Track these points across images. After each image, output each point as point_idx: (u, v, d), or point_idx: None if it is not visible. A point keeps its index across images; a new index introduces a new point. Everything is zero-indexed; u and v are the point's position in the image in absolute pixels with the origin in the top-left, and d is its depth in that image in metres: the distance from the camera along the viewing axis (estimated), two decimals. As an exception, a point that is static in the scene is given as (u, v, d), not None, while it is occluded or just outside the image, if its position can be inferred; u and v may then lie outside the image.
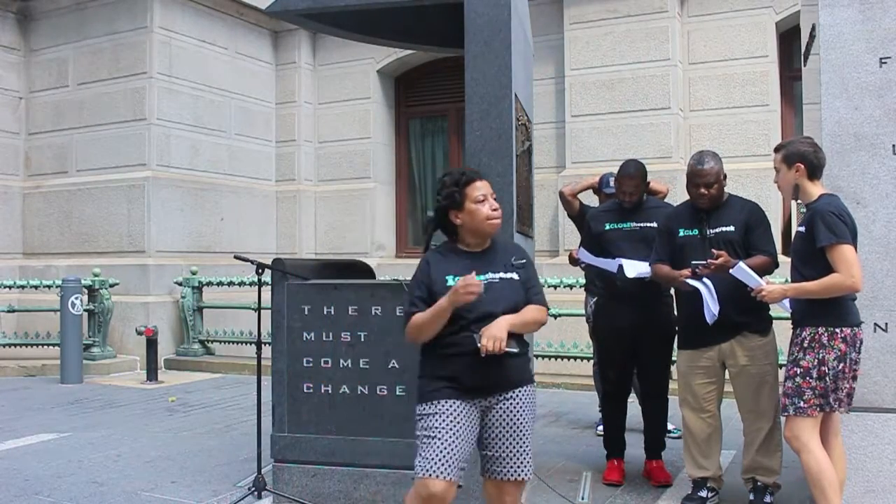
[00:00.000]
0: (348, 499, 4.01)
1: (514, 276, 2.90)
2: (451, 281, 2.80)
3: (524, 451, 2.89)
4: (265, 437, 4.22)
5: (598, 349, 4.99)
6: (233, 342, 9.67)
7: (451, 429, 2.77)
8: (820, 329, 3.32)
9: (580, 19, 9.49)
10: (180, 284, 9.70)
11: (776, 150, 3.56)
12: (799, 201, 3.58)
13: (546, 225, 9.48)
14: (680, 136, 9.12)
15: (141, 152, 9.78)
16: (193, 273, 9.70)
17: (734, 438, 4.55)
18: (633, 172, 4.47)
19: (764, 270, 3.82)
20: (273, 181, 11.41)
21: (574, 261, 5.15)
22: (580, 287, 6.50)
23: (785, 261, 3.66)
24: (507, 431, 2.86)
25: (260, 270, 4.20)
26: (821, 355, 3.30)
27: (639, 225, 4.49)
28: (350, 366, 4.00)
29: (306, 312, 4.07)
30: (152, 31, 9.77)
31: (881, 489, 3.65)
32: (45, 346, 9.27)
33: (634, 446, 4.72)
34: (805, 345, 3.35)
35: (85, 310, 8.92)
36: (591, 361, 6.17)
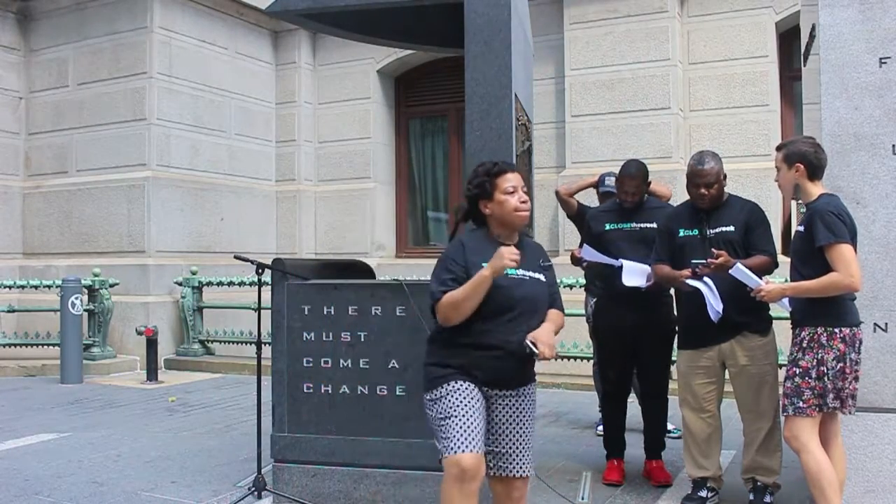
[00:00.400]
0: (348, 499, 4.01)
1: (542, 277, 2.95)
2: (484, 265, 2.79)
3: (530, 447, 2.94)
4: (265, 437, 4.22)
5: (598, 349, 4.99)
6: (233, 342, 9.67)
7: (466, 405, 2.78)
8: (819, 329, 3.32)
9: (580, 19, 9.49)
10: (180, 284, 9.70)
11: (777, 148, 3.56)
12: (799, 201, 3.58)
13: (546, 225, 9.48)
14: (680, 136, 9.12)
15: (141, 152, 9.78)
16: (193, 273, 9.70)
17: (734, 438, 4.55)
18: (635, 173, 4.47)
19: (763, 270, 3.82)
20: (273, 181, 11.41)
21: (576, 260, 5.15)
22: (580, 287, 6.51)
23: (785, 261, 3.66)
24: (515, 427, 2.90)
25: (260, 270, 4.20)
26: (820, 355, 3.30)
27: (639, 225, 4.48)
28: (350, 366, 4.00)
29: (306, 312, 4.07)
30: (152, 31, 9.77)
31: (881, 489, 3.65)
32: (45, 346, 9.27)
33: (634, 446, 4.72)
34: (804, 345, 3.35)
35: (85, 310, 8.93)
36: (591, 361, 6.17)
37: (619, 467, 4.57)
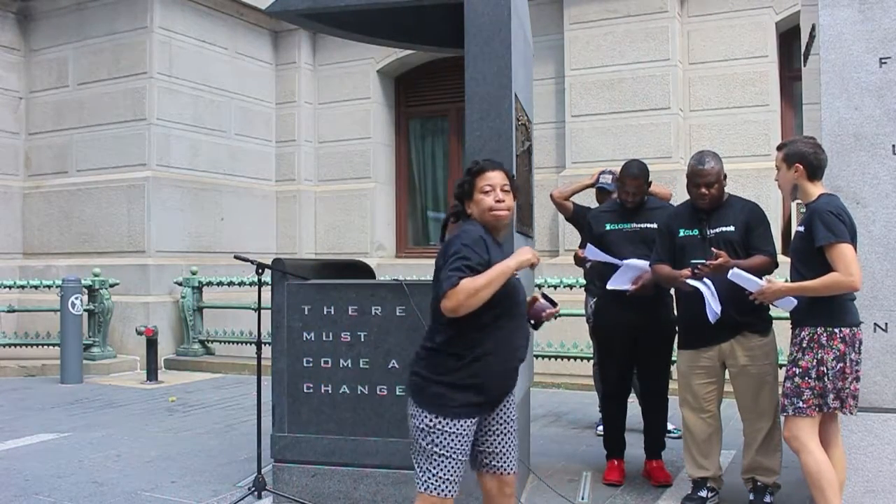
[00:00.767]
0: (348, 499, 4.01)
1: (521, 277, 2.95)
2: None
3: (516, 445, 2.95)
4: (265, 437, 4.22)
5: (598, 349, 4.99)
6: (233, 342, 9.67)
7: (465, 450, 2.77)
8: (819, 329, 3.32)
9: (580, 19, 9.49)
10: (180, 284, 9.70)
11: (778, 148, 3.56)
12: (798, 201, 3.58)
13: (546, 225, 9.48)
14: (680, 136, 9.12)
15: (141, 152, 9.78)
16: (193, 273, 9.70)
17: (734, 438, 4.55)
18: (637, 173, 4.47)
19: (763, 270, 3.82)
20: (273, 181, 11.41)
21: (580, 260, 5.14)
22: (580, 287, 6.51)
23: (785, 260, 3.66)
24: (506, 427, 2.90)
25: (260, 270, 4.20)
26: (819, 355, 3.30)
27: (639, 226, 4.49)
28: (350, 366, 4.00)
29: (306, 312, 4.07)
30: (152, 31, 9.77)
31: (881, 489, 3.65)
32: (45, 346, 9.27)
33: (634, 446, 4.72)
34: (804, 345, 3.35)
35: (85, 310, 8.93)
36: (591, 361, 6.17)
37: (619, 467, 4.57)
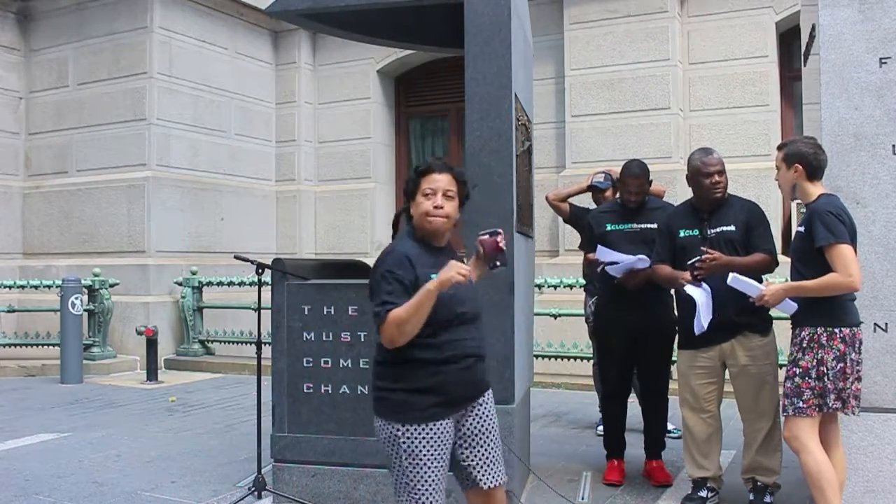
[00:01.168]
0: (348, 499, 4.01)
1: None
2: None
3: (501, 454, 2.79)
4: (265, 437, 4.22)
5: (598, 349, 4.99)
6: (233, 342, 9.67)
7: (441, 456, 2.60)
8: (819, 329, 3.32)
9: (580, 19, 9.49)
10: (180, 284, 9.70)
11: (778, 148, 3.56)
12: (798, 201, 3.58)
13: (546, 225, 9.47)
14: (680, 136, 9.12)
15: (141, 152, 9.78)
16: (193, 273, 9.70)
17: (734, 438, 4.55)
18: (638, 172, 4.47)
19: (763, 269, 3.83)
20: (273, 181, 11.41)
21: (593, 264, 5.11)
22: (580, 287, 6.50)
23: (785, 261, 3.67)
24: (485, 438, 2.74)
25: (260, 270, 4.20)
26: (819, 355, 3.30)
27: (640, 226, 4.48)
28: (350, 366, 4.00)
29: (306, 312, 4.07)
30: (152, 31, 9.77)
31: (881, 489, 3.65)
32: (45, 346, 9.27)
33: (634, 446, 4.72)
34: (804, 345, 3.35)
35: (85, 310, 8.93)
36: (591, 361, 6.17)
37: (619, 467, 4.57)
